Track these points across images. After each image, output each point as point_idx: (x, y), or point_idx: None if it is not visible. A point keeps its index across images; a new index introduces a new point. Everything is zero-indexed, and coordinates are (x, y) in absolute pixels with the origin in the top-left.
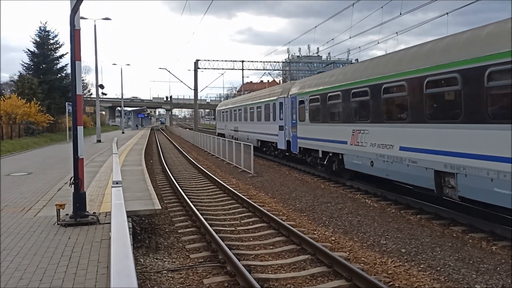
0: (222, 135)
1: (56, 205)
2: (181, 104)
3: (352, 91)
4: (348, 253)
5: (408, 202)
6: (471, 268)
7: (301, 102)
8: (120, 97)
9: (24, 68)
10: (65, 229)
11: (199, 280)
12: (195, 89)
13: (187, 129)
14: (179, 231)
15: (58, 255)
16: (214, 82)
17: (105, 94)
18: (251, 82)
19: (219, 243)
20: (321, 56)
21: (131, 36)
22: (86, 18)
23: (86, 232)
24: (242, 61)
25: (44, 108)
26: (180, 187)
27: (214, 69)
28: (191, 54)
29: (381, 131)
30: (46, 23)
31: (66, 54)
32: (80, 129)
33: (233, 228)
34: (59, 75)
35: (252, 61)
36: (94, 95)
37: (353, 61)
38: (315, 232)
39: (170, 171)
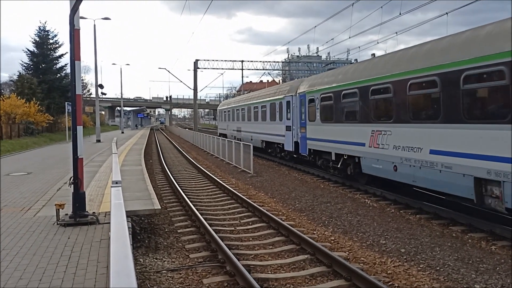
0: (224, 135)
1: (55, 205)
2: (181, 104)
3: (371, 88)
4: (347, 253)
5: (407, 202)
6: (470, 268)
7: (311, 100)
8: (119, 96)
9: (24, 68)
10: (64, 229)
11: (198, 280)
12: (195, 89)
13: (187, 129)
14: (179, 231)
15: (58, 255)
16: (213, 82)
17: (105, 94)
18: (250, 82)
19: (219, 243)
20: (321, 56)
21: (131, 36)
22: (85, 18)
23: (86, 232)
24: (242, 61)
25: (44, 108)
26: (179, 187)
27: (214, 69)
28: (191, 54)
29: (406, 132)
30: (45, 23)
31: (65, 54)
32: (80, 129)
33: (233, 228)
34: (59, 75)
35: (252, 61)
36: (93, 95)
37: (353, 61)
38: (315, 232)
39: (169, 171)
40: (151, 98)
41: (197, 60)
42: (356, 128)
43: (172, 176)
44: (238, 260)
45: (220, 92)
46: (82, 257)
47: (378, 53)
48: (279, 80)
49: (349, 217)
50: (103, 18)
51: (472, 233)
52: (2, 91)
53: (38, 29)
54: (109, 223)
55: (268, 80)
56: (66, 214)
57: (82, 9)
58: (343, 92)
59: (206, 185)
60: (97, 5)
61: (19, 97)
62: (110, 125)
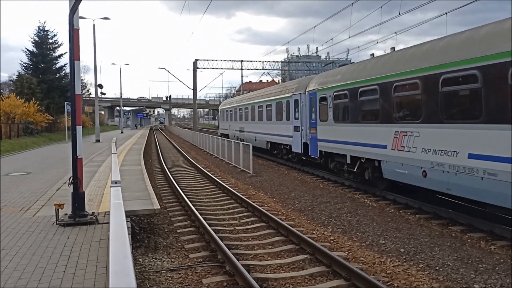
0: (226, 136)
1: (55, 204)
2: (180, 104)
3: (395, 84)
4: (347, 252)
5: (407, 202)
6: (469, 268)
7: (323, 99)
8: (119, 96)
9: (23, 67)
10: (64, 229)
11: (198, 280)
12: (194, 89)
13: (186, 129)
14: (178, 230)
15: (57, 255)
16: (213, 81)
17: (104, 94)
18: (250, 81)
19: (218, 243)
20: (320, 56)
21: (130, 35)
22: (85, 18)
23: (85, 232)
24: (241, 61)
25: (43, 108)
26: (179, 186)
27: (213, 68)
28: (190, 53)
29: (439, 134)
30: (45, 22)
31: (65, 53)
32: (79, 128)
33: (232, 228)
34: (58, 74)
35: (251, 61)
36: (93, 95)
37: (352, 61)
38: (314, 232)
39: (169, 171)
40: (150, 98)
41: (196, 60)
42: (376, 129)
43: (172, 176)
44: (238, 260)
45: (219, 92)
46: (81, 257)
47: (378, 53)
48: (278, 80)
49: (349, 217)
50: (102, 18)
51: (471, 233)
52: (2, 91)
53: (37, 29)
54: (109, 223)
55: (267, 80)
56: (66, 214)
57: (82, 9)
58: (360, 90)
59: (206, 185)
60: (96, 5)
61: (18, 97)
62: (109, 125)
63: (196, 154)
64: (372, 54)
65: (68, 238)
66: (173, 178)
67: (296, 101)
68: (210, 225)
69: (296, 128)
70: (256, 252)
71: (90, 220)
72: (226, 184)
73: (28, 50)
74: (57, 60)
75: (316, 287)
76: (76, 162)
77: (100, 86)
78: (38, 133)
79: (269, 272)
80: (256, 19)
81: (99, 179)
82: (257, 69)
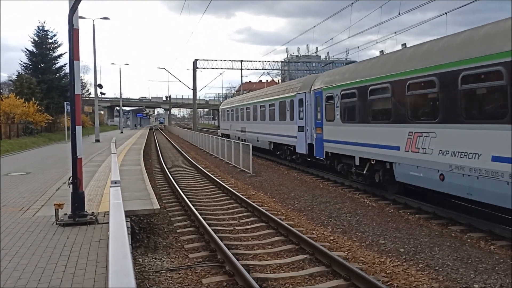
0: (227, 136)
1: (54, 204)
2: (180, 103)
3: (408, 82)
4: (346, 252)
5: (406, 202)
6: (469, 268)
7: (329, 98)
8: (118, 96)
9: (23, 67)
10: (63, 229)
11: (197, 280)
12: (194, 89)
13: (186, 129)
14: (178, 230)
15: (57, 255)
16: (213, 81)
17: (104, 94)
18: (249, 81)
19: (218, 243)
20: (320, 56)
21: (130, 35)
22: (84, 18)
23: (85, 231)
24: (241, 61)
25: (43, 108)
26: (178, 186)
27: (213, 68)
28: (190, 53)
29: (458, 134)
30: (44, 22)
31: (64, 53)
32: (79, 128)
33: (232, 228)
34: (58, 74)
35: (251, 61)
36: (92, 95)
37: (352, 61)
38: (314, 232)
39: (168, 171)
40: (150, 98)
41: (196, 60)
42: (388, 129)
43: (171, 176)
44: (237, 260)
45: (219, 92)
46: (81, 257)
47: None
48: (278, 80)
49: (348, 217)
50: (102, 18)
51: (471, 233)
52: (1, 91)
53: (37, 28)
54: (108, 223)
55: (267, 80)
56: (65, 214)
57: (81, 9)
58: (370, 88)
59: (205, 185)
60: (96, 5)
61: (18, 97)
62: (109, 125)
63: (195, 154)
64: (382, 51)
65: (67, 238)
66: (173, 178)
67: (300, 101)
68: (209, 225)
69: (300, 128)
70: (255, 252)
71: (89, 220)
72: (225, 184)
73: (27, 50)
74: (56, 60)
75: (316, 287)
76: (76, 162)
77: (100, 86)
78: (38, 133)
79: (268, 272)
80: (256, 19)
81: (99, 179)
82: (256, 69)
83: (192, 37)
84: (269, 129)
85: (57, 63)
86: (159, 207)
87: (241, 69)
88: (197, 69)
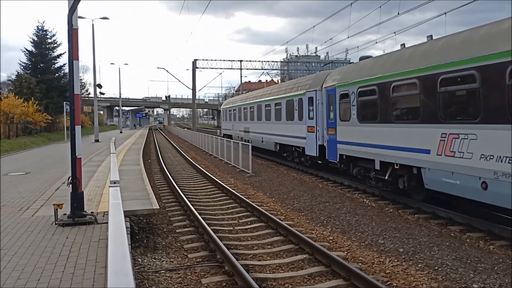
0: (229, 136)
1: (54, 204)
2: (179, 103)
3: (441, 77)
4: (346, 252)
5: (406, 202)
6: (468, 268)
7: (344, 96)
8: (118, 96)
9: (22, 67)
10: (63, 229)
11: (197, 280)
12: (193, 89)
13: (185, 129)
14: (177, 230)
15: (56, 255)
16: (212, 81)
17: (103, 94)
18: (249, 81)
19: (217, 243)
20: (319, 56)
21: (129, 35)
22: (84, 18)
23: (84, 232)
24: (240, 61)
25: (42, 108)
26: (178, 186)
27: (212, 68)
28: (189, 53)
29: (505, 136)
30: (44, 22)
31: (64, 53)
32: (78, 128)
33: (231, 228)
34: (57, 74)
35: (250, 61)
36: (92, 95)
37: (351, 61)
38: (313, 232)
39: (168, 171)
40: (146, 97)
41: (195, 60)
42: (416, 130)
43: (171, 176)
44: (237, 259)
45: (218, 92)
46: (80, 257)
47: (377, 53)
48: (277, 80)
49: (348, 216)
50: (101, 18)
51: (470, 232)
52: (1, 90)
53: (36, 28)
54: (107, 223)
55: (266, 80)
56: (65, 214)
57: (81, 9)
58: (393, 84)
59: (205, 184)
60: (95, 5)
61: (17, 97)
62: (108, 124)
63: (195, 154)
64: (403, 45)
65: (67, 238)
66: (172, 178)
67: (310, 99)
68: (209, 225)
69: (310, 129)
70: (255, 252)
71: (89, 220)
72: (225, 184)
73: (27, 50)
74: (56, 60)
75: (315, 287)
76: (75, 162)
77: (99, 86)
78: (37, 133)
79: (268, 272)
80: (255, 19)
81: (98, 179)
82: (256, 69)
83: (191, 37)
84: (275, 129)
85: (56, 63)
86: (158, 207)
87: (241, 69)
88: (196, 69)
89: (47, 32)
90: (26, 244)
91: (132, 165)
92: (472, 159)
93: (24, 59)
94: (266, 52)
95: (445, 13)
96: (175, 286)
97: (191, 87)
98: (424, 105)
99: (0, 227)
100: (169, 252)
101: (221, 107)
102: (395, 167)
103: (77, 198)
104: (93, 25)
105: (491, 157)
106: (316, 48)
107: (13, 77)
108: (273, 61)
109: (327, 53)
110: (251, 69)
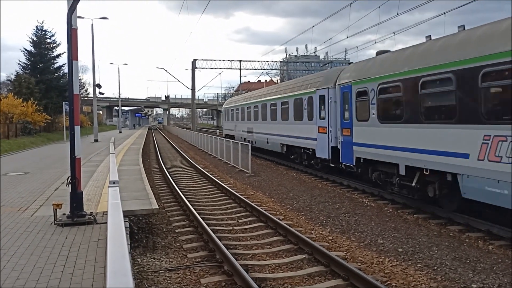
0: (231, 137)
1: (53, 204)
2: (179, 103)
3: (484, 71)
4: (345, 252)
5: (405, 202)
6: (467, 267)
7: (361, 93)
8: (117, 96)
9: (21, 67)
10: (62, 229)
11: (196, 280)
12: (193, 89)
13: (185, 129)
14: (177, 230)
15: (55, 255)
16: (211, 81)
17: (102, 94)
18: (248, 81)
19: (217, 243)
20: (319, 56)
21: (129, 35)
22: (83, 18)
23: (83, 232)
24: (240, 61)
25: (41, 108)
26: (177, 186)
27: (212, 68)
28: (189, 53)
29: None
30: (43, 22)
31: (63, 53)
32: (77, 128)
33: (231, 228)
34: (56, 74)
35: (250, 61)
36: (91, 95)
37: (351, 61)
38: (313, 232)
39: (167, 171)
40: (148, 98)
41: (195, 60)
42: (452, 131)
43: (170, 176)
44: (236, 260)
45: (218, 92)
46: (79, 257)
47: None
48: (277, 80)
49: (347, 216)
50: (100, 18)
51: (469, 232)
52: (0, 90)
53: (35, 28)
54: (107, 223)
55: (266, 80)
56: (64, 214)
57: (80, 9)
58: (422, 80)
59: (204, 184)
60: (94, 5)
61: (16, 97)
62: (108, 124)
63: (194, 154)
64: (429, 36)
65: (66, 238)
66: (172, 178)
67: (321, 97)
68: (208, 225)
69: (321, 129)
70: (254, 252)
71: (88, 220)
72: (224, 184)
73: (26, 49)
74: (55, 60)
75: (315, 287)
76: (74, 162)
77: (99, 86)
78: (36, 133)
79: (267, 272)
80: (255, 19)
81: (97, 179)
82: (255, 69)
83: (191, 37)
84: (282, 130)
85: (55, 63)
86: (157, 207)
87: (240, 69)
88: (195, 69)
89: (47, 32)
90: (25, 244)
91: (132, 165)
92: None
93: (23, 59)
94: (265, 52)
95: (444, 13)
96: (174, 286)
97: (190, 87)
98: (462, 103)
99: (0, 226)
100: (169, 252)
101: (223, 106)
102: (425, 172)
103: (76, 198)
104: (92, 25)
105: None
106: (315, 48)
107: (12, 77)
108: (272, 61)
109: (326, 53)
110: (250, 69)
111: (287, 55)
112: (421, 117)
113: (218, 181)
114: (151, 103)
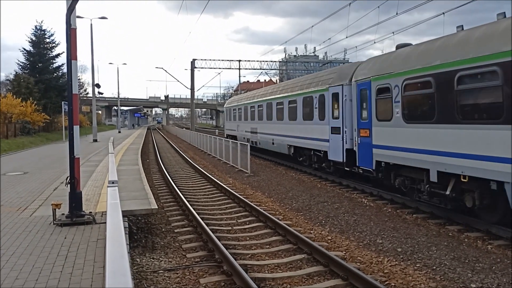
0: (233, 137)
1: (52, 204)
2: (178, 103)
3: None
4: (344, 252)
5: (404, 202)
6: (466, 267)
7: (382, 90)
8: (116, 96)
9: (20, 67)
10: (61, 229)
11: (195, 280)
12: (192, 89)
13: (184, 129)
14: (176, 230)
15: (54, 255)
16: (210, 81)
17: (102, 94)
18: (248, 81)
19: (216, 243)
20: (318, 56)
21: (128, 35)
22: (82, 17)
23: (82, 231)
24: (239, 61)
25: (40, 108)
26: (176, 186)
27: (211, 68)
28: (188, 53)
29: None
30: (42, 22)
31: (62, 53)
32: (76, 128)
33: (230, 228)
34: (55, 74)
35: (249, 61)
36: (90, 94)
37: (350, 60)
38: (312, 232)
39: (166, 171)
40: (148, 98)
41: (194, 60)
42: (497, 133)
43: (169, 176)
44: (235, 259)
45: (217, 91)
46: (78, 257)
47: (376, 53)
48: (276, 80)
49: (346, 216)
50: (100, 18)
51: (468, 232)
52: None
53: (34, 28)
54: (106, 223)
55: (265, 80)
56: (63, 214)
57: (79, 9)
58: (459, 74)
59: (203, 184)
60: (93, 4)
61: (15, 97)
62: (107, 124)
63: (193, 153)
64: (461, 26)
65: (65, 238)
66: (171, 178)
67: (334, 95)
68: (207, 224)
69: (335, 130)
70: (253, 252)
71: (87, 220)
72: (223, 184)
73: (25, 49)
74: (54, 60)
75: (314, 287)
76: (74, 162)
77: (98, 85)
78: (35, 132)
79: (266, 272)
80: (254, 18)
81: (97, 179)
82: (254, 69)
83: (190, 37)
84: (289, 130)
85: (54, 62)
86: (156, 207)
87: (239, 69)
88: (195, 69)
89: (46, 32)
90: (24, 244)
91: (131, 165)
92: None
93: (22, 58)
94: (264, 52)
95: (443, 13)
96: (174, 286)
97: (189, 87)
98: (510, 100)
99: (0, 226)
100: (168, 252)
101: (224, 106)
102: (462, 179)
103: (75, 198)
104: (91, 24)
105: None
106: (314, 48)
107: (11, 76)
108: (271, 61)
109: (326, 53)
110: (249, 69)
111: (286, 55)
112: (457, 116)
113: (217, 181)
114: (150, 103)
